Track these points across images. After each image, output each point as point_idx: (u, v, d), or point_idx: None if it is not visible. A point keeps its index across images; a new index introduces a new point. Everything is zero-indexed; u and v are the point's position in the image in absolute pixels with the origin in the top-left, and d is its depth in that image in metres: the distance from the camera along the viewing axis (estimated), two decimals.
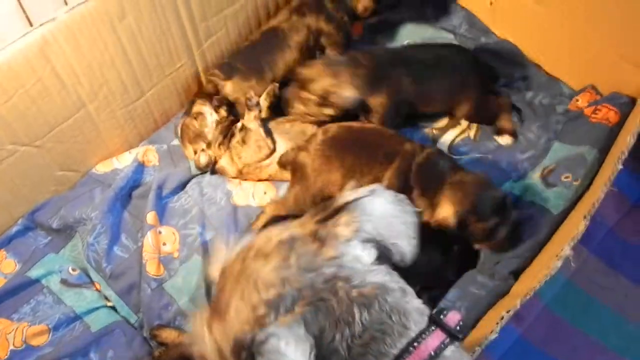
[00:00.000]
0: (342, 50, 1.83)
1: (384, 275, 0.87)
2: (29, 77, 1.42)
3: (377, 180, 1.42)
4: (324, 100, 1.60)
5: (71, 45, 1.45)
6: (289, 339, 0.78)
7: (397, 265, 0.94)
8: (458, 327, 0.83)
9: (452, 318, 0.84)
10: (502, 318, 1.14)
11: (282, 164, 1.62)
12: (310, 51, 1.82)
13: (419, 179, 1.41)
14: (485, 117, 1.75)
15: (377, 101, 1.62)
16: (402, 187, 1.40)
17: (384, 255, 0.91)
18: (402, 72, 1.64)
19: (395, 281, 0.87)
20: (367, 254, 0.87)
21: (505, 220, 1.38)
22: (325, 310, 0.81)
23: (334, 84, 1.59)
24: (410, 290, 0.88)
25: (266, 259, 0.85)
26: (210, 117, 1.68)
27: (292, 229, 0.91)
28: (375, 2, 1.85)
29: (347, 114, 1.64)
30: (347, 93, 1.59)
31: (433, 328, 0.83)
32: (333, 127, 1.53)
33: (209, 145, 1.66)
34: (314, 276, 0.83)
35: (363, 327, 0.81)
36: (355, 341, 0.81)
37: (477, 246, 1.44)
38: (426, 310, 0.87)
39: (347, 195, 0.95)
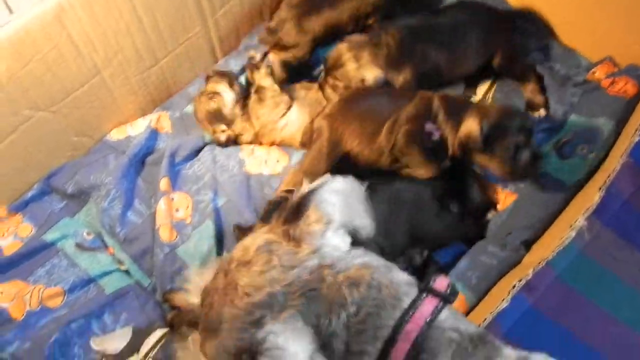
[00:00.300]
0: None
1: (364, 256, 0.90)
2: (45, 43, 1.42)
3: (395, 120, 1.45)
4: (349, 83, 1.62)
5: (87, 12, 1.45)
6: (287, 333, 0.81)
7: (363, 242, 0.97)
8: (448, 291, 0.84)
9: (441, 283, 0.85)
10: (514, 287, 1.14)
11: (303, 142, 1.63)
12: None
13: (444, 104, 1.43)
14: (515, 69, 1.73)
15: (401, 78, 1.62)
16: (424, 114, 1.43)
17: (355, 237, 0.95)
18: (426, 46, 1.64)
19: (376, 259, 0.90)
20: (343, 241, 0.91)
21: (528, 143, 1.37)
22: (317, 298, 0.84)
23: (355, 67, 1.61)
24: (393, 265, 0.91)
25: (249, 266, 0.88)
26: (227, 95, 1.67)
27: (263, 235, 0.94)
28: None
29: None
30: (370, 75, 1.61)
31: (424, 295, 0.85)
32: (346, 91, 1.55)
33: (229, 125, 1.67)
34: (299, 271, 0.86)
35: (357, 307, 0.83)
36: (352, 320, 0.83)
37: (497, 172, 1.42)
38: (413, 280, 0.89)
39: (302, 189, 0.99)
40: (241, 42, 1.92)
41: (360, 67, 1.61)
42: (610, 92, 1.62)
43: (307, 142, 1.59)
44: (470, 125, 1.36)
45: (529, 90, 1.71)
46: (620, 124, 1.54)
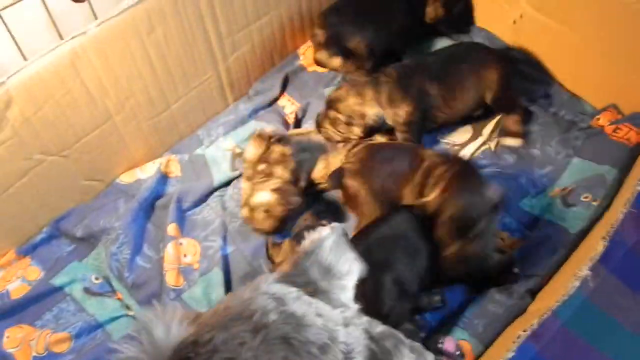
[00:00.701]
0: None
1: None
2: (59, 88, 1.45)
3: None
4: (350, 119, 1.68)
5: (100, 58, 1.48)
6: None
7: None
8: (458, 352, 0.81)
9: (450, 345, 0.81)
10: (519, 337, 1.14)
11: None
12: None
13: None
14: (507, 104, 1.76)
15: (402, 111, 1.67)
16: None
17: None
18: (424, 77, 1.69)
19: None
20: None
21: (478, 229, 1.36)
22: None
23: (359, 102, 1.67)
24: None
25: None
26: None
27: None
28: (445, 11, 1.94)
29: (375, 131, 1.73)
30: (371, 111, 1.68)
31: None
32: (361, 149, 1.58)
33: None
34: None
35: None
36: None
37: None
38: (422, 347, 0.85)
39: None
40: (252, 86, 1.95)
41: (363, 103, 1.67)
42: (614, 138, 1.64)
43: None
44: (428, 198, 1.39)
45: (511, 120, 1.75)
46: (623, 171, 1.55)
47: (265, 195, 1.54)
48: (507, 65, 1.76)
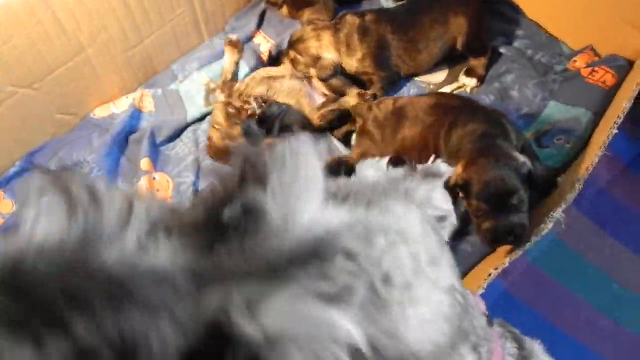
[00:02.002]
0: None
1: None
2: (29, 19, 1.43)
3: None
4: (311, 60, 1.69)
5: None
6: None
7: None
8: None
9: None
10: (490, 274, 1.16)
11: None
12: None
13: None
14: (478, 47, 1.75)
15: (356, 59, 1.69)
16: None
17: None
18: (385, 28, 1.68)
19: None
20: None
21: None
22: None
23: (317, 45, 1.69)
24: None
25: None
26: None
27: None
28: None
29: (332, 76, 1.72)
30: (327, 55, 1.69)
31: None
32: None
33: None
34: None
35: None
36: None
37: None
38: None
39: None
40: (227, 22, 1.93)
41: (320, 46, 1.69)
42: (589, 81, 1.64)
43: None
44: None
45: (477, 62, 1.75)
46: (598, 114, 1.56)
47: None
48: (477, 9, 1.73)
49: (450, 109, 1.46)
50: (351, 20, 1.70)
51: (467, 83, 1.76)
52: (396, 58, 1.71)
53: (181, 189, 1.59)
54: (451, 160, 1.33)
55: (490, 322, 0.63)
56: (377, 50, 1.68)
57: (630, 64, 1.64)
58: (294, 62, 1.71)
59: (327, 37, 1.69)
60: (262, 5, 1.95)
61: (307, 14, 1.86)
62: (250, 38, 1.88)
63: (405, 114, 1.51)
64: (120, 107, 1.74)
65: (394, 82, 1.76)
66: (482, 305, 0.64)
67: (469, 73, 1.76)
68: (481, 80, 1.75)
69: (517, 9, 1.87)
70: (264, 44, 1.89)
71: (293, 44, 1.71)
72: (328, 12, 1.88)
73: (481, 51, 1.74)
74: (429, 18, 1.69)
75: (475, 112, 1.42)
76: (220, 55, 1.81)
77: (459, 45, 1.73)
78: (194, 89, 1.76)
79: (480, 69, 1.75)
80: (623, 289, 1.58)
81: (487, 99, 1.71)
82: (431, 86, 1.77)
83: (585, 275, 1.61)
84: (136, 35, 1.67)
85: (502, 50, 1.80)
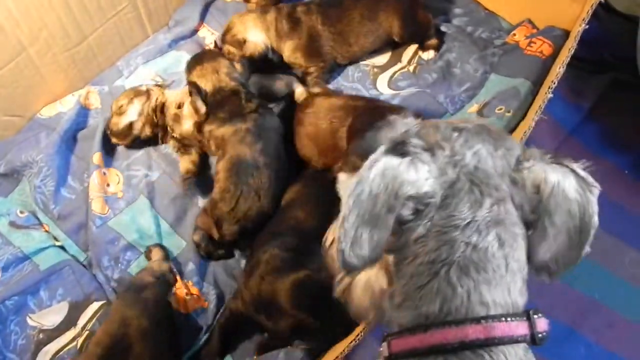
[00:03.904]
0: None
1: None
2: None
3: None
4: (239, 46, 1.71)
5: None
6: None
7: None
8: (541, 335, 0.67)
9: (542, 323, 0.67)
10: None
11: None
12: None
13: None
14: (416, 32, 1.78)
15: (288, 47, 1.72)
16: None
17: None
18: (315, 19, 1.71)
19: None
20: None
21: None
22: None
23: (242, 29, 1.71)
24: None
25: None
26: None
27: None
28: None
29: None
30: (252, 37, 1.71)
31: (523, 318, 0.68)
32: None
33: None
34: None
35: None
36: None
37: None
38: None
39: None
40: (171, 17, 1.94)
41: (245, 29, 1.70)
42: (528, 52, 1.68)
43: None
44: None
45: (428, 44, 1.79)
46: (537, 83, 1.60)
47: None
48: (406, 3, 1.74)
49: (353, 110, 1.48)
50: (281, 6, 1.73)
51: (426, 57, 1.79)
52: (329, 48, 1.73)
53: (132, 182, 1.59)
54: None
55: None
56: (308, 42, 1.70)
57: (567, 33, 1.69)
58: (230, 56, 1.70)
59: (251, 20, 1.70)
60: None
61: None
62: (194, 31, 1.90)
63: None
64: (67, 105, 1.73)
65: (331, 70, 1.78)
66: None
67: (425, 48, 1.79)
68: (437, 49, 1.79)
69: None
70: (209, 36, 1.91)
71: (223, 37, 1.73)
72: None
73: (424, 36, 1.78)
74: (359, 13, 1.71)
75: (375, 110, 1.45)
76: (165, 50, 1.82)
77: (396, 39, 1.76)
78: (140, 84, 1.75)
79: (432, 41, 1.79)
80: None
81: (429, 77, 1.75)
82: (375, 69, 1.79)
83: None
84: (78, 33, 1.67)
85: (443, 28, 1.84)
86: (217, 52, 1.70)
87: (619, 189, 1.68)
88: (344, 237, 0.67)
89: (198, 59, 1.63)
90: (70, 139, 1.68)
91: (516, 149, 0.71)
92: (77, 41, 1.68)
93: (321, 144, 1.52)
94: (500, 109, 1.58)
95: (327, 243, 0.89)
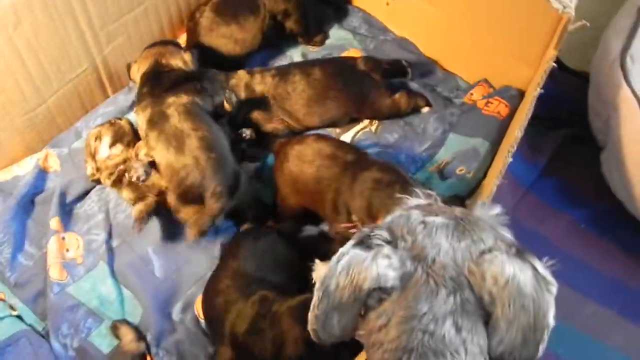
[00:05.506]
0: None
1: None
2: None
3: None
4: None
5: None
6: None
7: None
8: None
9: None
10: None
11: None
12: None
13: None
14: (375, 115, 1.80)
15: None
16: None
17: None
18: (267, 92, 1.74)
19: None
20: None
21: None
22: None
23: None
24: None
25: None
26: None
27: None
28: None
29: None
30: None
31: None
32: None
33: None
34: None
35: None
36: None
37: None
38: None
39: None
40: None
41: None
42: (485, 112, 1.72)
43: None
44: None
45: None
46: (495, 143, 1.64)
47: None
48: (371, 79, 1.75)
49: (343, 165, 1.46)
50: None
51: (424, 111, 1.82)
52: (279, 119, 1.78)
53: (92, 247, 1.56)
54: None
55: None
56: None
57: (522, 93, 1.74)
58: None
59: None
60: None
61: None
62: None
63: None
64: (25, 168, 1.70)
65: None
66: None
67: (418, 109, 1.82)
68: (429, 104, 1.82)
69: (413, 48, 1.95)
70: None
71: None
72: None
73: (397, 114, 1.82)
74: (307, 95, 1.74)
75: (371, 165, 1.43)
76: (125, 111, 1.80)
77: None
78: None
79: (421, 102, 1.82)
80: None
81: (390, 137, 1.76)
82: (337, 130, 1.79)
83: None
84: (37, 96, 1.65)
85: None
86: None
87: (576, 243, 1.72)
88: (315, 320, 0.77)
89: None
90: (28, 203, 1.64)
91: (485, 240, 0.75)
92: (35, 105, 1.66)
93: (301, 188, 1.50)
94: (462, 170, 1.61)
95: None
